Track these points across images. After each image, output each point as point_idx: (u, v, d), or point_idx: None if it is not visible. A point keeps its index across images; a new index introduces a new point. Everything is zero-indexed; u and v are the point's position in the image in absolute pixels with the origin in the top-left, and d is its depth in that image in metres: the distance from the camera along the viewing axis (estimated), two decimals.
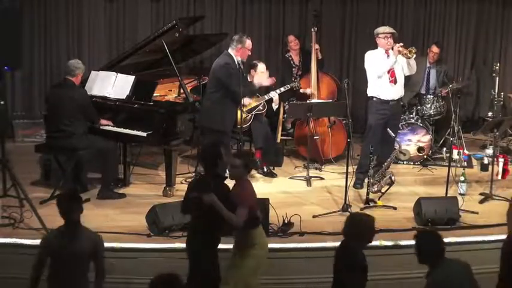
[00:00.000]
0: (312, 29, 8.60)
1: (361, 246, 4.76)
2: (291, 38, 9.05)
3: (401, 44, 7.53)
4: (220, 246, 5.29)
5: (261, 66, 8.15)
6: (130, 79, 7.48)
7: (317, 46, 8.60)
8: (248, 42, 7.39)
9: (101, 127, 7.30)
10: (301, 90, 8.53)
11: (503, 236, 6.18)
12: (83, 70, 7.25)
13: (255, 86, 7.79)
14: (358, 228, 4.72)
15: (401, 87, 7.69)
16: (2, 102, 6.68)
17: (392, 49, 7.50)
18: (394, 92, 7.61)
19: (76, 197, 4.78)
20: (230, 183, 5.26)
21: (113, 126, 7.33)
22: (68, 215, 4.64)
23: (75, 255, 4.56)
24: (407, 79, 8.10)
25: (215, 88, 7.39)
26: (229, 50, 7.40)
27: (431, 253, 4.49)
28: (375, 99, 7.61)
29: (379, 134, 7.59)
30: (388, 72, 7.53)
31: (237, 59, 7.43)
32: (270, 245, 5.80)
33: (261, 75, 8.07)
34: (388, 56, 7.56)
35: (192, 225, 5.35)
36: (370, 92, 7.65)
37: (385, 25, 7.99)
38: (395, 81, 7.58)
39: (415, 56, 7.51)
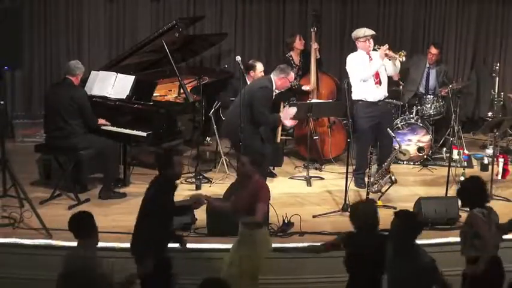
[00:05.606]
0: (312, 29, 8.59)
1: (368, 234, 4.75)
2: (297, 37, 8.91)
3: (387, 46, 7.53)
4: None
5: (260, 66, 8.11)
6: (130, 79, 7.48)
7: (316, 45, 8.60)
8: (292, 75, 7.40)
9: (102, 127, 7.30)
10: (302, 87, 8.53)
11: (503, 236, 6.17)
12: (83, 71, 7.26)
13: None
14: (361, 217, 4.76)
15: (385, 87, 7.73)
16: (1, 102, 6.67)
17: (375, 50, 7.53)
18: (380, 92, 7.66)
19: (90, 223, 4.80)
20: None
21: (112, 126, 7.33)
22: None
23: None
24: (406, 78, 8.09)
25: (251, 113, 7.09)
26: (272, 76, 7.26)
27: None
28: (361, 102, 7.60)
29: (370, 136, 7.63)
30: (373, 74, 7.57)
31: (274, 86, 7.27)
32: None
33: (259, 75, 8.05)
34: (370, 57, 7.58)
35: None
36: (356, 95, 7.64)
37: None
38: (380, 83, 7.63)
39: (404, 59, 7.54)
